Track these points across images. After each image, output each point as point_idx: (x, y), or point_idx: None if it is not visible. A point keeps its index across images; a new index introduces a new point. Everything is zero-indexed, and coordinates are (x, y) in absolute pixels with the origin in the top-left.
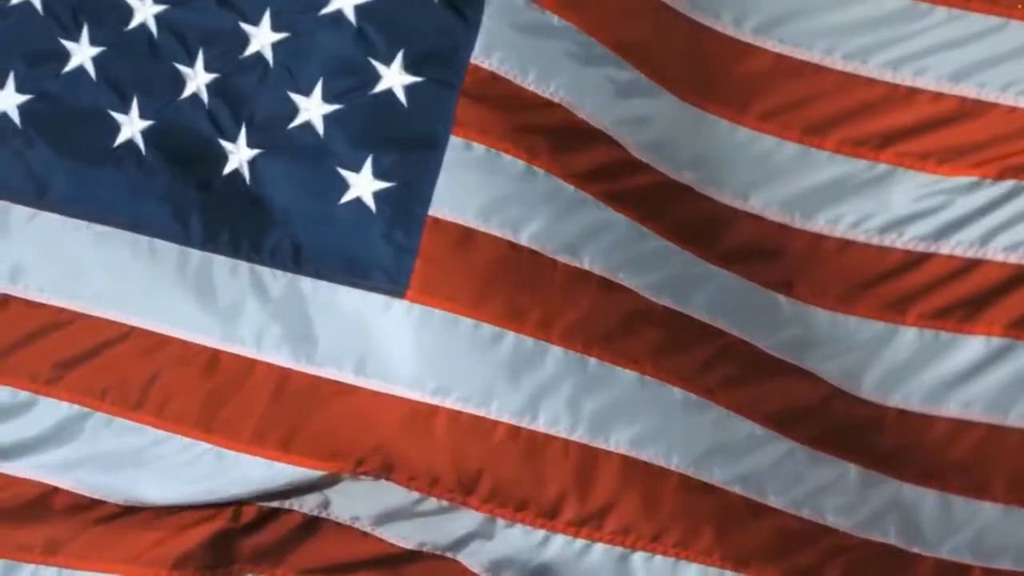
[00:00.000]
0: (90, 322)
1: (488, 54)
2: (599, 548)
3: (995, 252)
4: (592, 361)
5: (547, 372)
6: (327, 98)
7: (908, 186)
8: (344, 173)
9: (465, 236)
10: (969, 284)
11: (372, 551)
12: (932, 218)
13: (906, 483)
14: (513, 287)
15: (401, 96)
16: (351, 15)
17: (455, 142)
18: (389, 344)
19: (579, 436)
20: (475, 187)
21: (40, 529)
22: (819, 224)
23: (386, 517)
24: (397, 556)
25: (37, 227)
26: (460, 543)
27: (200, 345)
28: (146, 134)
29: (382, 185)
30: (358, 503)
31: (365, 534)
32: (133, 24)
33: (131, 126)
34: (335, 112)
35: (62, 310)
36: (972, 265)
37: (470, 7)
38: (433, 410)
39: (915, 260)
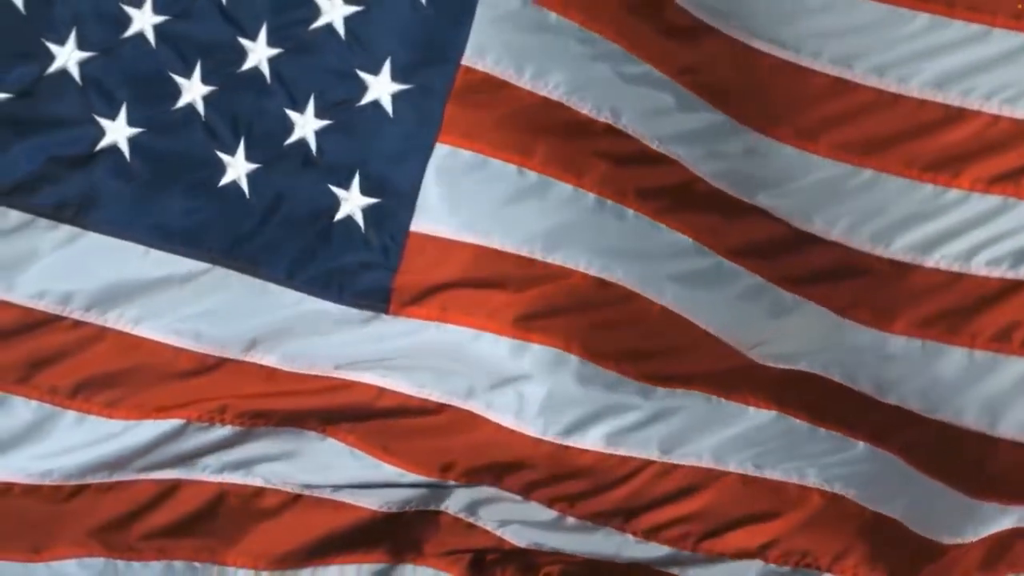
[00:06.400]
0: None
1: (481, 55)
2: None
3: (978, 267)
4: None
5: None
6: (319, 113)
7: (892, 193)
8: (335, 190)
9: (447, 247)
10: (952, 297)
11: None
12: (918, 229)
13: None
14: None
15: (388, 106)
16: (340, 27)
17: (441, 149)
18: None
19: None
20: (461, 194)
21: None
22: (816, 226)
23: None
24: None
25: None
26: None
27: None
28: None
29: (369, 201)
30: None
31: None
32: (130, 32)
33: (118, 132)
34: (326, 127)
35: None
36: (955, 279)
37: (461, 9)
38: None
39: (902, 271)
